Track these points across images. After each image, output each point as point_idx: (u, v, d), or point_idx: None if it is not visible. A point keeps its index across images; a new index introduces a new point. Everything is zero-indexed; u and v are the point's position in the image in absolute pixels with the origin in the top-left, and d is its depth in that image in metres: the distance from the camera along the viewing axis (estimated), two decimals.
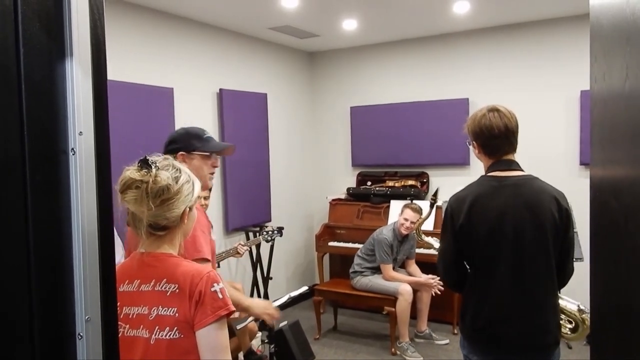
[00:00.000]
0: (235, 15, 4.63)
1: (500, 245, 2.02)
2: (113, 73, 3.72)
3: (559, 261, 2.04)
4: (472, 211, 2.05)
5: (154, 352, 1.40)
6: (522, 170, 2.09)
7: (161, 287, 1.42)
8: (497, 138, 2.06)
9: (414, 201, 4.86)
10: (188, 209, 1.48)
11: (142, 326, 1.42)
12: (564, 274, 2.09)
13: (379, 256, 4.54)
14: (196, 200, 1.51)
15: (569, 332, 2.20)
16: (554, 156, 4.85)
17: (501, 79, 5.15)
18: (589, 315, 2.16)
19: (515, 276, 2.01)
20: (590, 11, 1.24)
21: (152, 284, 1.44)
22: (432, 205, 2.75)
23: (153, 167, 1.41)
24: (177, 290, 1.40)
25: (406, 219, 4.48)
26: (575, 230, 2.58)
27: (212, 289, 1.39)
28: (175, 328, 1.39)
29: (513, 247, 2.01)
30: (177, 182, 1.44)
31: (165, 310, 1.40)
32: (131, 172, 1.40)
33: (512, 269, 2.01)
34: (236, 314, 3.79)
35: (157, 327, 1.40)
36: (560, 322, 2.17)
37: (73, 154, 0.83)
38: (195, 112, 4.74)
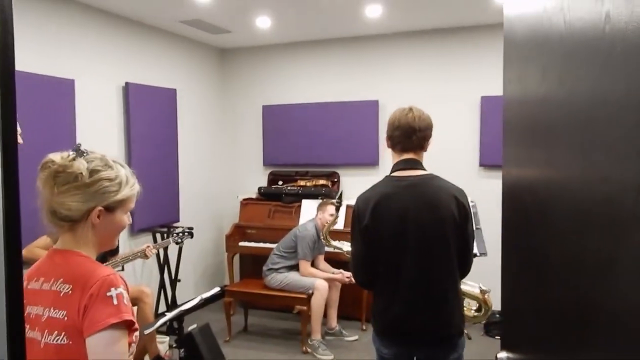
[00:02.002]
0: (144, 6, 4.42)
1: (404, 244, 2.10)
2: None
3: (459, 254, 2.14)
4: (375, 211, 2.12)
5: (43, 356, 1.29)
6: (423, 169, 2.18)
7: (57, 287, 1.32)
8: (396, 129, 2.17)
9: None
10: (103, 209, 1.37)
11: (37, 327, 1.32)
12: (465, 266, 2.19)
13: (302, 252, 4.55)
14: (120, 204, 1.41)
15: (475, 314, 2.35)
16: (456, 158, 5.12)
17: (410, 83, 5.36)
18: (489, 295, 2.32)
19: (419, 273, 2.09)
20: (505, 19, 1.31)
21: (51, 282, 1.34)
22: (337, 209, 2.81)
23: (73, 153, 1.36)
24: (70, 292, 1.30)
25: (332, 215, 4.51)
26: (478, 226, 2.74)
27: (108, 294, 1.28)
28: (64, 333, 1.28)
29: (416, 246, 2.09)
30: (92, 175, 1.35)
31: (55, 313, 1.30)
32: (55, 154, 1.37)
33: (416, 266, 2.09)
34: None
35: (46, 330, 1.30)
36: (465, 306, 2.31)
37: None
38: (99, 106, 4.46)
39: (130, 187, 1.43)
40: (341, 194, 2.63)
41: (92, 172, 1.36)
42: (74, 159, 1.35)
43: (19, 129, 2.29)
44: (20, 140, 2.21)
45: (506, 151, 1.32)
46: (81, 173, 1.34)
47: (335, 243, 2.75)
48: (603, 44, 0.68)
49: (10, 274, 0.78)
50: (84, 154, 1.38)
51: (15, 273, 0.80)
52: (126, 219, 1.45)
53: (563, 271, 0.88)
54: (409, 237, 2.09)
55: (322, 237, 2.87)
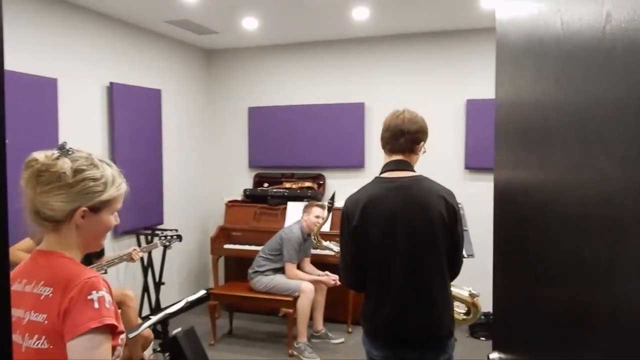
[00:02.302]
0: (130, 5, 4.37)
1: (393, 245, 2.09)
2: None
3: (449, 256, 2.14)
4: (365, 213, 2.12)
5: None
6: (412, 171, 2.18)
7: (38, 290, 1.29)
8: (387, 131, 2.20)
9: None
10: (88, 210, 1.34)
11: (18, 331, 1.28)
12: (455, 267, 2.19)
13: (287, 254, 4.52)
14: (106, 204, 1.37)
15: (464, 317, 2.36)
16: (441, 161, 5.13)
17: (396, 86, 5.38)
18: (479, 299, 2.33)
19: (409, 275, 2.09)
20: (497, 22, 1.32)
21: (33, 284, 1.31)
22: (329, 209, 2.81)
23: (59, 151, 1.33)
24: (51, 295, 1.27)
25: (318, 217, 4.52)
26: (465, 228, 2.75)
27: (89, 297, 1.25)
28: (44, 337, 1.25)
29: (405, 247, 2.08)
30: (76, 174, 1.32)
31: (36, 316, 1.27)
32: (39, 152, 1.33)
33: (406, 267, 2.09)
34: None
35: (27, 334, 1.27)
36: (454, 309, 2.31)
37: None
38: (83, 105, 4.40)
39: (117, 187, 1.40)
40: (334, 195, 2.63)
41: (76, 171, 1.32)
42: (57, 158, 1.32)
43: None
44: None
45: (498, 153, 1.32)
46: (64, 172, 1.31)
47: (326, 244, 2.75)
48: (603, 44, 0.68)
49: None
50: (69, 153, 1.34)
51: (3, 276, 0.77)
52: (113, 219, 1.42)
53: (560, 272, 0.88)
54: (398, 239, 2.09)
55: (313, 238, 2.87)
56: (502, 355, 1.28)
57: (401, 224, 2.08)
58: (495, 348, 1.34)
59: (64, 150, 1.34)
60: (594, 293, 0.75)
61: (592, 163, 0.73)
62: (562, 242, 0.88)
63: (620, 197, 0.66)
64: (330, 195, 2.74)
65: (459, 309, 2.37)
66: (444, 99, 5.20)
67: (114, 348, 1.30)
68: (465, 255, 2.61)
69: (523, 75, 1.10)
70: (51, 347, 1.25)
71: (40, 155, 1.33)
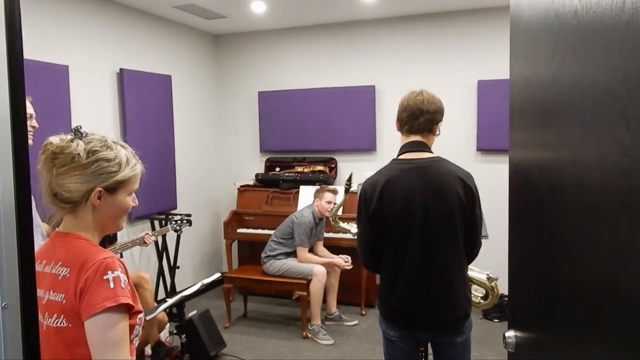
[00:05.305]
0: None
1: (409, 226, 2.09)
2: None
3: (466, 237, 2.12)
4: (383, 195, 2.11)
5: (44, 339, 1.29)
6: (430, 152, 2.17)
7: (56, 270, 1.33)
8: (405, 111, 2.17)
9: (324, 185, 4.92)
10: (104, 190, 1.36)
11: (38, 310, 1.32)
12: (472, 249, 2.17)
13: (299, 238, 4.55)
14: (121, 184, 1.39)
15: (480, 301, 2.35)
16: (452, 143, 5.10)
17: (406, 68, 5.33)
18: (497, 282, 2.32)
19: (424, 256, 2.09)
20: None
21: (52, 265, 1.35)
22: (347, 191, 2.81)
23: (73, 134, 1.37)
24: (68, 275, 1.31)
25: (329, 202, 4.53)
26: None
27: (104, 277, 1.28)
28: (62, 316, 1.30)
29: (421, 228, 2.08)
30: (89, 155, 1.35)
31: (54, 296, 1.31)
32: (54, 136, 1.37)
33: (421, 249, 2.09)
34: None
35: (47, 313, 1.31)
36: (472, 292, 2.31)
37: None
38: (94, 92, 4.42)
39: (131, 168, 1.42)
40: (351, 176, 2.62)
41: (90, 152, 1.36)
42: (71, 141, 1.36)
43: (33, 112, 2.29)
44: (35, 123, 2.22)
45: (513, 131, 1.31)
46: (79, 154, 1.34)
47: (343, 225, 2.75)
48: (624, 16, 0.67)
49: (23, 261, 0.78)
50: (83, 136, 1.38)
51: (28, 260, 0.79)
52: (130, 200, 1.44)
53: (577, 249, 0.88)
54: (415, 220, 2.08)
55: (330, 219, 2.89)
56: (518, 334, 1.29)
57: (418, 205, 2.07)
58: (511, 326, 1.34)
59: (78, 133, 1.38)
60: (613, 269, 0.75)
61: (611, 136, 0.73)
62: (580, 217, 0.88)
63: None
64: (347, 177, 2.73)
65: (477, 293, 2.36)
66: (455, 80, 5.15)
67: (132, 327, 1.33)
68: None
69: (539, 51, 1.08)
70: (70, 325, 1.29)
71: (55, 139, 1.36)
